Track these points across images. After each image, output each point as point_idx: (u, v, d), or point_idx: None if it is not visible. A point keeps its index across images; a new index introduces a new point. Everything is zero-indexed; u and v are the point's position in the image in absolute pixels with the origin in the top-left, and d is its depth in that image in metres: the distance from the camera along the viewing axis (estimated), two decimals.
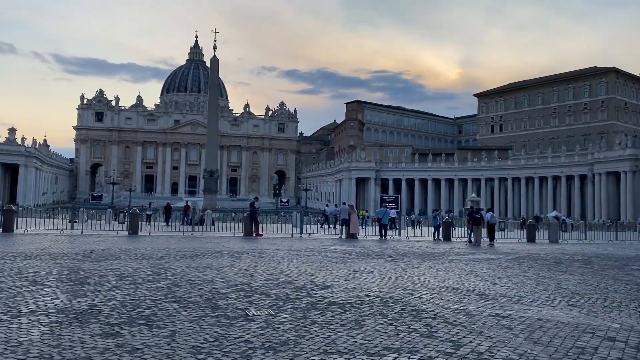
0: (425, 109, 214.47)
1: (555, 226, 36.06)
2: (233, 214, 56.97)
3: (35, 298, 9.80)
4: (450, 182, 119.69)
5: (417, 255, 20.84)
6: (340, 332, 7.85)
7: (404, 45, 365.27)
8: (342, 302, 10.21)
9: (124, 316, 8.53)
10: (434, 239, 32.62)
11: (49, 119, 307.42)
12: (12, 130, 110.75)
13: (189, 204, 53.20)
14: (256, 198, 34.24)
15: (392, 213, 45.45)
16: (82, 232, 28.36)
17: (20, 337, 7.03)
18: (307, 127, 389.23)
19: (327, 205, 63.63)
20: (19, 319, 8.06)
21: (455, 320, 8.84)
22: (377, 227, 33.26)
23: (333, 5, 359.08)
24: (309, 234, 31.30)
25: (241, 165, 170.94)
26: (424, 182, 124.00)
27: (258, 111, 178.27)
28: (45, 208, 70.31)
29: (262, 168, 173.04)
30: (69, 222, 31.14)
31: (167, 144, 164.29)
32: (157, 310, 9.08)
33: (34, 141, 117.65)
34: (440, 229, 32.89)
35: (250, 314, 8.90)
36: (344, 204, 36.37)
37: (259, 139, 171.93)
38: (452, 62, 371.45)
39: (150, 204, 52.73)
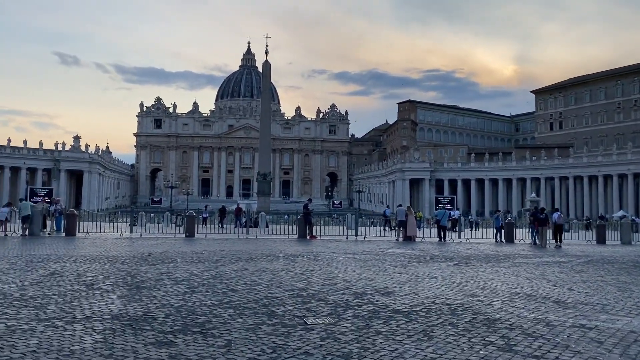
0: (480, 108, 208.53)
1: (627, 226, 33.69)
2: (286, 216, 56.99)
3: (90, 303, 9.65)
4: (508, 182, 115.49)
5: (480, 259, 19.75)
6: (407, 344, 7.17)
7: (456, 43, 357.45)
8: (406, 310, 9.50)
9: (178, 323, 8.18)
10: (496, 240, 31.16)
11: (111, 127, 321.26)
12: (76, 138, 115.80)
13: (242, 206, 53.57)
14: (310, 200, 33.86)
15: (456, 214, 44.01)
16: (140, 235, 28.87)
17: (73, 346, 6.77)
18: (358, 128, 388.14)
19: (387, 207, 62.64)
20: (73, 326, 7.85)
21: (535, 332, 7.97)
22: (436, 229, 32.10)
23: (383, 5, 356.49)
24: (365, 237, 30.57)
25: (293, 167, 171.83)
26: (480, 182, 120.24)
27: (309, 114, 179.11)
28: (107, 212, 72.92)
29: (314, 170, 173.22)
30: (129, 225, 31.77)
31: (222, 148, 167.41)
32: (212, 316, 8.69)
33: (97, 148, 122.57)
34: (503, 230, 31.39)
35: (308, 323, 8.35)
36: (399, 205, 35.32)
37: (310, 141, 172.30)
38: (507, 58, 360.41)
39: (206, 206, 53.42)
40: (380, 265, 16.50)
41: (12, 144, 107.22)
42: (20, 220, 27.26)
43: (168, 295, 10.61)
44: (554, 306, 10.16)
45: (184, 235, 29.24)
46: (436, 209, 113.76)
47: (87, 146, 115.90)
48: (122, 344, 6.88)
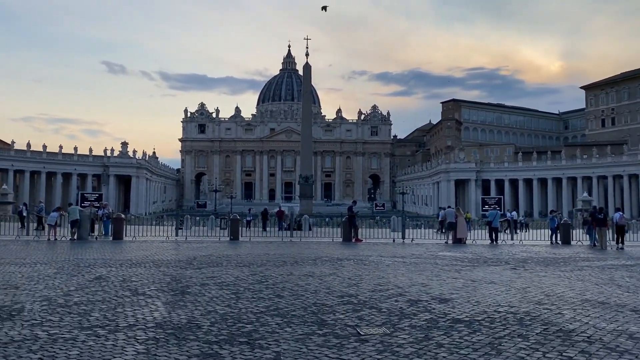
0: (526, 106, 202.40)
1: None
2: (328, 219, 56.46)
3: (134, 310, 9.32)
4: (557, 181, 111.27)
5: (538, 262, 18.59)
6: (474, 359, 6.44)
7: (500, 40, 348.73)
8: (467, 319, 8.73)
9: (224, 332, 7.71)
10: (552, 242, 29.61)
11: (157, 133, 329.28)
12: (124, 144, 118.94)
13: (284, 209, 53.39)
14: (354, 202, 33.16)
15: (512, 215, 42.42)
16: (186, 238, 28.90)
17: (114, 358, 6.37)
18: (400, 129, 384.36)
19: (440, 209, 61.31)
20: (115, 335, 7.48)
21: (618, 346, 7.08)
22: (485, 231, 30.75)
23: (424, 4, 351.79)
24: (412, 239, 29.61)
25: (335, 170, 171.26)
26: (528, 182, 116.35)
27: (350, 116, 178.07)
28: (154, 216, 74.36)
29: (356, 172, 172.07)
30: (175, 229, 31.86)
31: (264, 151, 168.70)
32: (259, 325, 8.18)
33: (144, 153, 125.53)
34: (558, 231, 29.80)
35: (362, 333, 7.73)
36: (449, 207, 33.99)
37: (352, 143, 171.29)
38: (553, 54, 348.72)
39: (249, 210, 53.63)
40: (433, 269, 15.67)
41: (63, 151, 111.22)
42: (69, 225, 27.71)
43: (213, 301, 10.20)
44: (634, 316, 9.16)
45: (228, 238, 29.10)
46: (482, 210, 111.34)
47: (134, 152, 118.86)
48: (165, 356, 6.44)
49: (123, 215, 28.87)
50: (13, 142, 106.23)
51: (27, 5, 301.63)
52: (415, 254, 21.17)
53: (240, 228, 30.31)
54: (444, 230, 42.29)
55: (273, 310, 9.34)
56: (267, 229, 43.31)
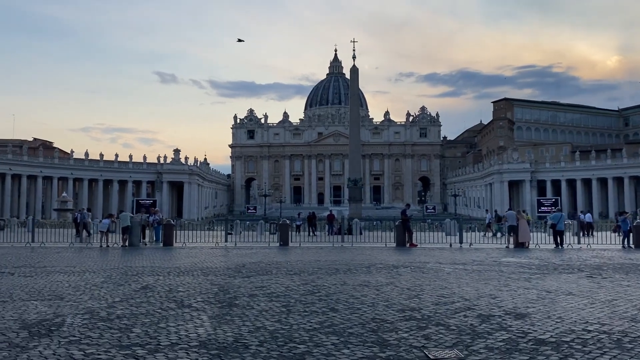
0: (582, 103, 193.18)
1: None
2: (377, 222, 55.18)
3: (178, 325, 8.62)
4: (618, 181, 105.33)
5: (616, 269, 16.88)
6: None
7: (552, 36, 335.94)
8: (553, 340, 7.52)
9: (274, 354, 6.85)
10: (623, 246, 27.38)
11: (208, 140, 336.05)
12: (176, 151, 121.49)
13: (334, 213, 52.53)
14: (408, 206, 31.85)
15: (587, 217, 39.95)
16: (235, 244, 28.48)
17: None
18: (449, 130, 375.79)
19: (487, 211, 58.76)
20: (155, 356, 6.76)
21: None
22: (551, 235, 28.72)
23: (472, 3, 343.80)
24: (470, 244, 28.03)
25: (384, 173, 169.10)
26: (586, 182, 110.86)
27: (398, 118, 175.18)
28: (205, 221, 75.26)
29: (405, 175, 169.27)
30: (225, 234, 31.42)
31: (312, 156, 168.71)
32: (312, 345, 7.28)
33: (196, 160, 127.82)
34: (631, 234, 27.51)
35: (431, 357, 6.69)
36: (509, 209, 32.02)
37: (400, 145, 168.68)
38: (610, 49, 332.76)
39: (299, 214, 53.07)
40: (499, 278, 14.35)
41: (119, 159, 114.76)
42: (120, 231, 27.81)
43: (262, 315, 9.39)
44: None
45: (278, 244, 28.49)
46: (538, 212, 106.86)
47: (186, 158, 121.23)
48: None
49: (173, 222, 28.73)
50: (72, 152, 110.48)
51: (84, 19, 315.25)
52: (476, 260, 19.77)
53: (289, 233, 29.66)
54: (493, 234, 40.50)
55: (327, 326, 8.43)
56: (316, 233, 42.57)
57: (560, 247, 26.79)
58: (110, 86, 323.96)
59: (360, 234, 42.18)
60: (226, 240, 29.78)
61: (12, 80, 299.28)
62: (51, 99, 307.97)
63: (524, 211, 33.64)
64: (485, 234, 39.17)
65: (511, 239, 27.03)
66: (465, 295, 11.25)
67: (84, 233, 34.26)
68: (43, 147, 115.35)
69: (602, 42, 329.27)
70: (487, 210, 62.71)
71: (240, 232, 45.34)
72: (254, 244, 29.47)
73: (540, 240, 28.75)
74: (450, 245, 27.66)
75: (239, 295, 11.55)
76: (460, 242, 28.13)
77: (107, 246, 26.78)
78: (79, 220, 36.33)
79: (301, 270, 16.47)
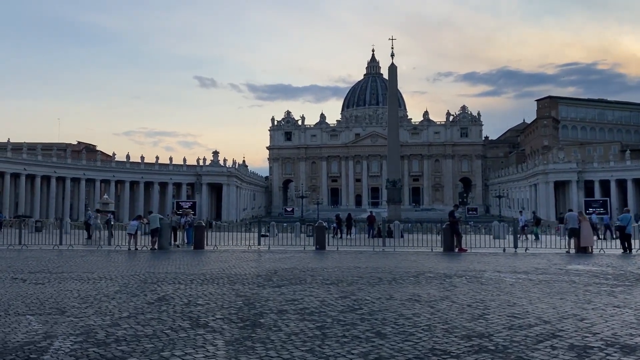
0: (630, 100, 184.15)
1: None
2: (418, 224, 52.70)
3: (185, 353, 6.88)
4: None
5: None
6: None
7: (596, 32, 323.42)
8: None
9: None
10: None
11: (246, 143, 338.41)
12: (215, 153, 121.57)
13: (374, 214, 50.35)
14: (456, 206, 29.36)
15: None
16: (269, 247, 26.74)
17: None
18: (490, 130, 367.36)
19: (521, 212, 54.81)
20: None
21: None
22: (619, 238, 25.74)
23: (512, 1, 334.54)
24: (526, 249, 25.40)
25: (423, 174, 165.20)
26: (638, 182, 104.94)
27: (436, 119, 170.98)
28: (243, 223, 74.29)
29: (445, 176, 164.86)
30: (258, 237, 29.59)
31: (349, 157, 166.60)
32: None
33: (234, 162, 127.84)
34: None
35: None
36: (570, 210, 28.84)
37: (440, 146, 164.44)
38: None
39: (337, 216, 51.10)
40: (575, 291, 12.05)
41: (159, 162, 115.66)
42: (149, 234, 26.55)
43: (291, 340, 7.55)
44: None
45: (314, 248, 26.60)
46: (586, 213, 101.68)
47: (224, 160, 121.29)
48: None
49: (207, 223, 27.18)
50: (114, 154, 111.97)
51: (126, 27, 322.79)
52: (538, 267, 17.38)
53: (327, 236, 27.74)
54: (536, 237, 37.39)
55: None
56: (353, 236, 40.52)
57: (629, 252, 23.97)
58: (152, 91, 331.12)
59: (401, 236, 39.97)
60: (259, 244, 28.10)
61: (58, 86, 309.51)
62: (95, 104, 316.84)
63: (586, 212, 30.71)
64: (520, 237, 36.27)
65: (572, 243, 24.31)
66: (542, 316, 9.10)
67: (98, 233, 33.43)
68: (86, 151, 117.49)
69: None
70: (521, 212, 58.34)
71: (276, 234, 43.83)
72: (288, 247, 27.70)
73: (605, 245, 25.86)
74: (504, 250, 25.14)
75: (265, 312, 9.75)
76: (515, 246, 25.55)
77: (136, 249, 25.56)
78: (91, 222, 35.70)
79: (339, 279, 14.58)
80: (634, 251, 24.20)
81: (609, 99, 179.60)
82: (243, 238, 31.45)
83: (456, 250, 24.61)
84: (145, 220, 28.02)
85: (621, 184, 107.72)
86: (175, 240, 28.55)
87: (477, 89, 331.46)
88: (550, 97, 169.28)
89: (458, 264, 19.00)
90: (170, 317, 9.35)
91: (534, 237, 36.51)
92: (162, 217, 27.19)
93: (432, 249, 25.43)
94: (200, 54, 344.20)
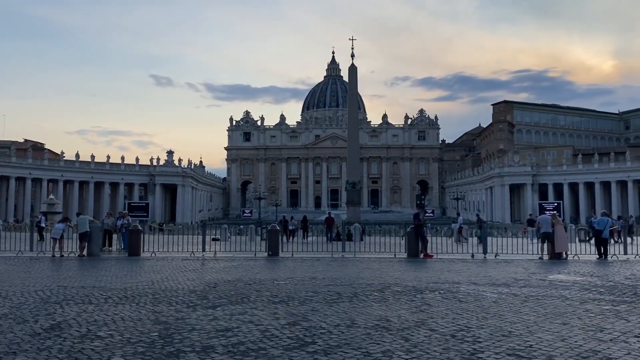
0: (578, 107, 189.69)
1: None
2: (377, 226, 50.90)
3: None
4: (622, 184, 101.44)
5: None
6: None
7: (548, 41, 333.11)
8: None
9: None
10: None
11: (204, 143, 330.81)
12: (170, 153, 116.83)
13: (333, 216, 48.08)
14: (421, 207, 27.50)
15: (613, 223, 34.93)
16: (215, 254, 23.82)
17: None
18: (446, 134, 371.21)
19: (458, 215, 53.27)
20: None
21: None
22: (594, 242, 24.08)
23: (469, 7, 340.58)
24: (496, 254, 23.52)
25: (381, 176, 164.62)
26: (589, 186, 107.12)
27: (395, 122, 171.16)
28: (195, 226, 70.75)
29: (404, 178, 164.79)
30: (202, 242, 26.25)
31: (309, 159, 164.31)
32: None
33: (190, 162, 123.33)
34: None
35: None
36: (545, 212, 26.74)
37: (398, 148, 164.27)
38: (605, 53, 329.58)
39: (291, 218, 48.58)
40: (573, 312, 9.97)
41: (110, 161, 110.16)
42: (77, 238, 23.24)
43: None
44: None
45: (266, 254, 23.96)
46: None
47: (179, 160, 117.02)
48: None
49: (156, 226, 24.03)
50: (62, 153, 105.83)
51: (80, 23, 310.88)
52: (516, 277, 15.39)
53: (280, 240, 25.09)
54: (459, 240, 35.94)
55: None
56: (309, 239, 38.20)
57: (604, 257, 22.47)
58: (107, 89, 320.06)
59: (361, 239, 37.89)
60: (204, 250, 25.07)
61: (7, 82, 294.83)
62: (47, 102, 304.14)
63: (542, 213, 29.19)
64: (455, 240, 34.67)
65: (545, 248, 22.59)
66: (552, 352, 6.90)
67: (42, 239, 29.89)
68: (33, 149, 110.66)
69: (598, 46, 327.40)
70: (458, 214, 56.88)
71: (229, 238, 40.96)
72: (238, 253, 24.91)
73: (577, 250, 24.25)
74: (472, 255, 23.18)
75: (184, 350, 7.18)
76: (485, 252, 23.66)
77: (61, 256, 22.26)
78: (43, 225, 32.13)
79: (290, 295, 12.11)
80: (609, 257, 22.73)
81: (561, 104, 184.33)
82: (191, 242, 28.26)
83: (421, 256, 22.51)
84: (72, 223, 24.53)
85: (573, 187, 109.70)
86: (110, 245, 25.39)
87: (433, 93, 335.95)
88: (505, 102, 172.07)
89: (427, 273, 16.81)
90: (52, 357, 6.69)
91: (477, 240, 34.58)
92: (92, 219, 23.81)
93: (395, 255, 23.18)
94: (157, 52, 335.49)
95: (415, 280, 14.61)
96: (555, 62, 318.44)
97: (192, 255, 23.09)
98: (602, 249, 22.59)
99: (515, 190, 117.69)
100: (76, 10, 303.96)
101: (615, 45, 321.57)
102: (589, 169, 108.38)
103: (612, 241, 27.31)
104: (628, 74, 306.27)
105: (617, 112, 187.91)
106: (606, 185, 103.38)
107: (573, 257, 22.67)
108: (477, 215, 48.84)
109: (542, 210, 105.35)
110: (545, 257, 22.18)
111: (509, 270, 17.40)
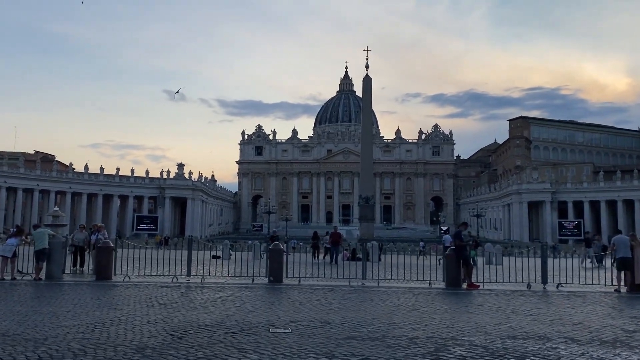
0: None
1: None
2: (391, 243, 46.25)
3: None
4: None
5: None
6: None
7: (561, 58, 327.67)
8: None
9: None
10: None
11: (216, 158, 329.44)
12: (180, 166, 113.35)
13: (342, 232, 43.27)
14: (464, 225, 22.34)
15: None
16: (202, 280, 18.93)
17: None
18: (458, 150, 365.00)
19: (444, 232, 48.22)
20: None
21: None
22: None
23: (481, 25, 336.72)
24: (558, 285, 18.32)
25: (395, 192, 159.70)
26: (611, 204, 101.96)
27: (407, 137, 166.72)
28: (205, 239, 66.37)
29: (417, 194, 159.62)
30: (187, 265, 20.77)
31: (321, 173, 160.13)
32: None
33: (200, 175, 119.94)
34: None
35: None
36: (618, 232, 21.15)
37: (412, 164, 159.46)
38: (619, 71, 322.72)
39: (326, 233, 43.39)
40: None
41: (120, 174, 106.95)
42: (34, 257, 18.64)
43: None
44: None
45: (267, 280, 19.52)
46: (560, 235, 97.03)
47: (190, 173, 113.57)
48: None
49: (112, 244, 19.25)
50: (71, 165, 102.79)
51: (96, 39, 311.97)
52: (615, 324, 10.88)
53: (285, 263, 20.47)
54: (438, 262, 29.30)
55: None
56: (319, 259, 33.32)
57: None
58: (121, 103, 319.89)
59: (379, 260, 33.42)
60: (188, 274, 19.97)
61: (23, 95, 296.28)
62: (61, 115, 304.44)
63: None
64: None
65: (622, 277, 17.83)
66: None
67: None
68: (43, 160, 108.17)
69: (611, 64, 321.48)
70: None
71: (230, 256, 36.69)
72: (231, 278, 20.45)
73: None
74: (528, 286, 18.32)
75: None
76: (544, 282, 18.84)
77: (13, 279, 17.91)
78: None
79: (292, 351, 7.78)
80: None
81: (580, 121, 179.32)
82: (184, 261, 23.25)
83: (464, 285, 17.88)
84: (27, 239, 20.01)
85: (594, 205, 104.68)
86: (82, 265, 21.15)
87: (444, 110, 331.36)
88: (522, 117, 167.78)
89: (486, 316, 12.13)
90: None
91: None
92: (53, 233, 19.24)
93: (430, 284, 18.54)
94: (171, 67, 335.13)
95: (479, 332, 10.04)
96: (567, 79, 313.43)
97: (175, 280, 18.63)
98: None
99: (534, 207, 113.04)
100: (92, 26, 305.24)
101: (629, 63, 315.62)
102: (611, 186, 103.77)
103: None
104: None
105: (637, 129, 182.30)
106: (629, 203, 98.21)
107: None
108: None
109: (561, 228, 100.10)
110: (623, 290, 17.51)
111: (593, 312, 12.83)
